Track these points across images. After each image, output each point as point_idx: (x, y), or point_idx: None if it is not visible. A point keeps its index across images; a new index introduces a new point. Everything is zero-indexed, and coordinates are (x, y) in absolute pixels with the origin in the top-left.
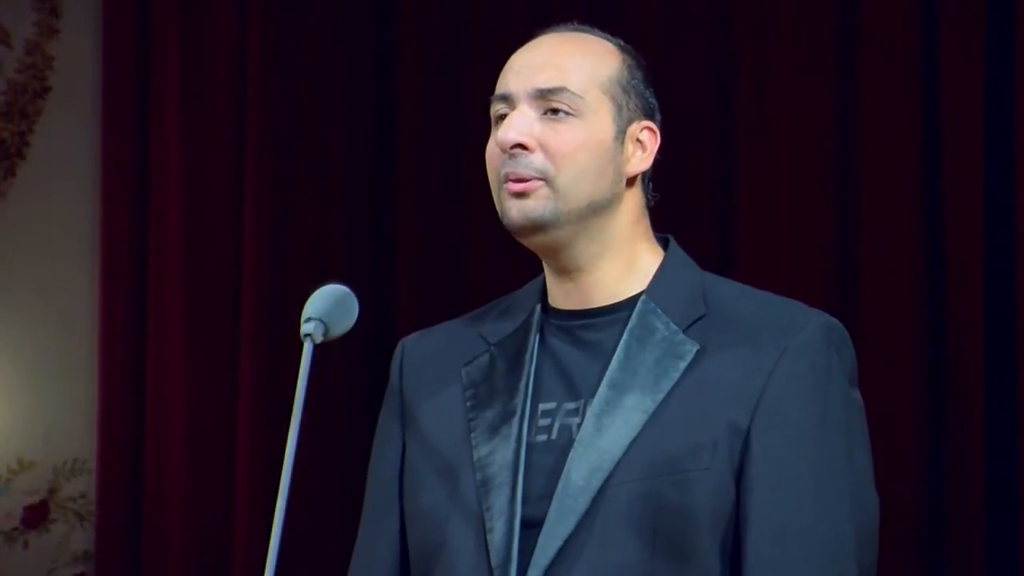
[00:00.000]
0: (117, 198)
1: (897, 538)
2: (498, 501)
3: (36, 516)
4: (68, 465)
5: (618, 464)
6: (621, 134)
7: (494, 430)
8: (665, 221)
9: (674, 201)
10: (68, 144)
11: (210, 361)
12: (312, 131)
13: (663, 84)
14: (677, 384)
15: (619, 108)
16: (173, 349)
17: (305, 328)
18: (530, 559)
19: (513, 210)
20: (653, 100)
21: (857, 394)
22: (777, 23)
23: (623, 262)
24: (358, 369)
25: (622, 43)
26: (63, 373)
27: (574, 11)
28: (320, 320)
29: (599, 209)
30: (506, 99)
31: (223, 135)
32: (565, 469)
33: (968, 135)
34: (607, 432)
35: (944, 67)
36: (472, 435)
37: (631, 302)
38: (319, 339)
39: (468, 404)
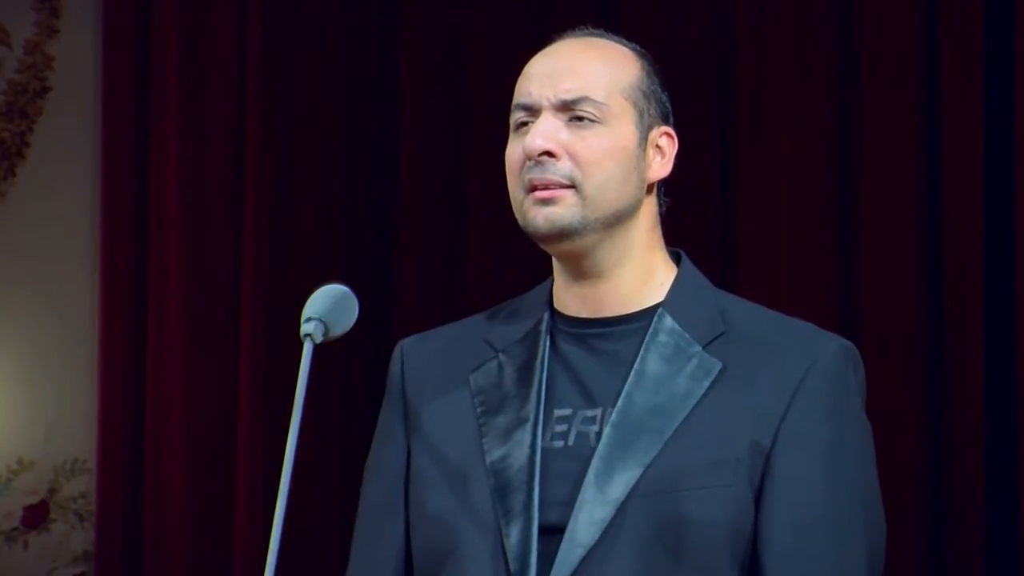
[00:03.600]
0: (117, 198)
1: (897, 538)
2: (515, 506)
3: (36, 516)
4: (68, 465)
5: (641, 477)
6: (644, 140)
7: (507, 435)
8: (664, 221)
9: (673, 201)
10: (68, 144)
11: (210, 361)
12: (312, 131)
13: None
14: (700, 401)
15: (641, 114)
16: (173, 349)
17: (305, 328)
18: (550, 566)
19: (539, 217)
20: (669, 105)
21: (866, 417)
22: (777, 23)
23: (640, 271)
24: (358, 369)
25: (638, 48)
26: (63, 373)
27: (574, 11)
28: (320, 320)
29: (623, 216)
30: (528, 108)
31: (223, 135)
32: (587, 478)
33: (968, 135)
34: (630, 445)
35: (944, 68)
36: (484, 440)
37: (647, 313)
38: (319, 339)
39: (479, 410)
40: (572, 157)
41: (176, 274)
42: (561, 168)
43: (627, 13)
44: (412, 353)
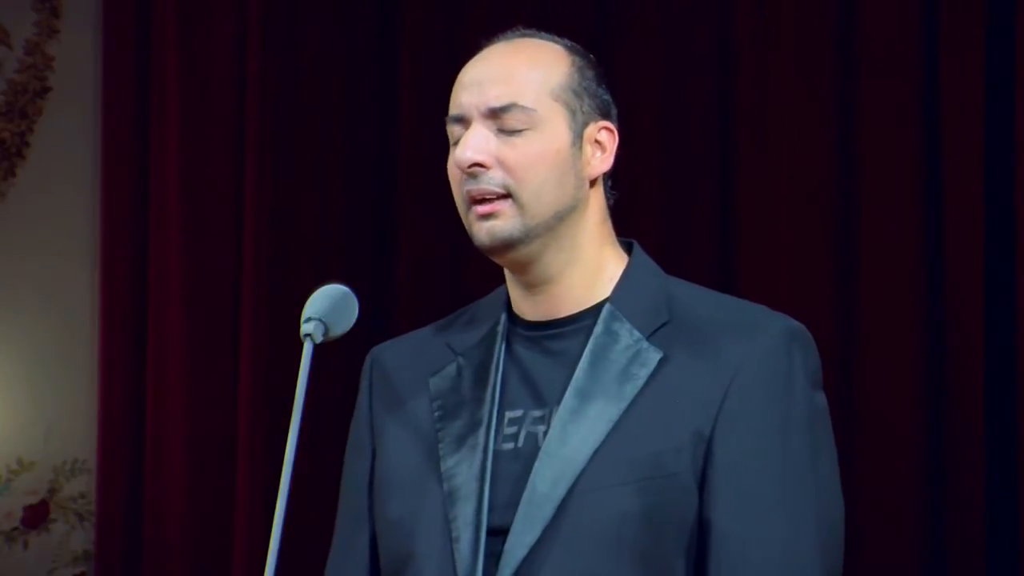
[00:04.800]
0: (117, 198)
1: (897, 538)
2: (464, 511)
3: (36, 516)
4: (68, 465)
5: (583, 472)
6: (578, 139)
7: (461, 440)
8: (665, 220)
9: (674, 200)
10: (68, 144)
11: (210, 361)
12: (312, 131)
13: (663, 85)
14: (641, 392)
15: (573, 113)
16: (173, 349)
17: (305, 328)
18: (496, 568)
19: (482, 232)
20: (607, 97)
21: (822, 397)
22: (777, 23)
23: (591, 269)
24: (358, 369)
25: (570, 43)
26: (63, 373)
27: (574, 13)
28: (320, 320)
29: (564, 216)
30: (460, 120)
31: (223, 135)
32: (531, 477)
33: (968, 135)
34: (572, 440)
35: (944, 67)
36: (440, 446)
37: (596, 309)
38: (319, 339)
39: (436, 415)
40: (503, 166)
41: (176, 274)
42: (493, 178)
43: (627, 14)
44: (380, 360)
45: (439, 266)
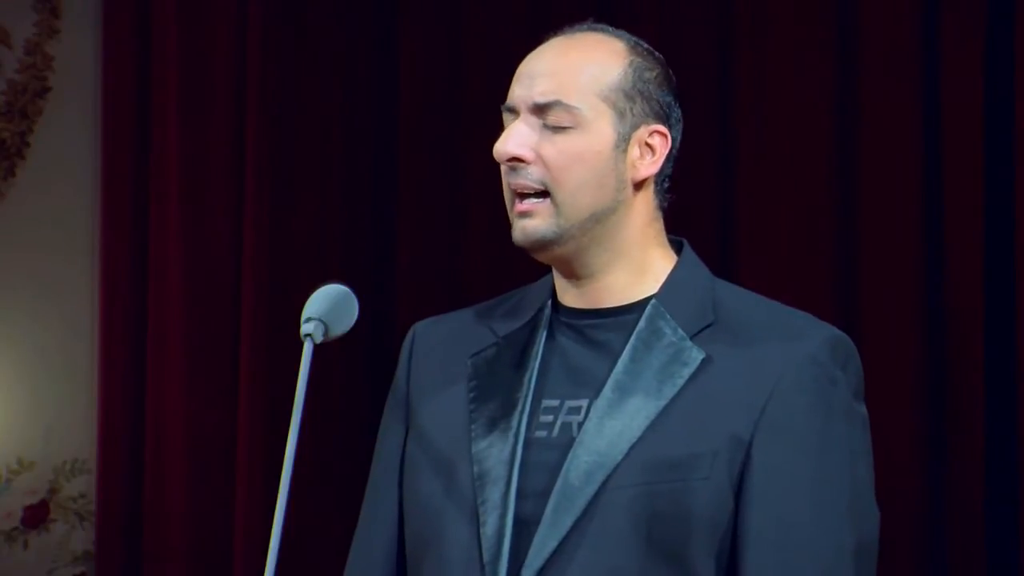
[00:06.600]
0: (117, 198)
1: (897, 540)
2: (493, 496)
3: (36, 516)
4: (68, 465)
5: (617, 467)
6: (624, 141)
7: (494, 423)
8: (663, 220)
9: (673, 201)
10: (68, 144)
11: (210, 361)
12: (312, 130)
13: None
14: (681, 391)
15: (621, 115)
16: (173, 349)
17: (305, 328)
18: (523, 557)
19: (517, 231)
20: (668, 99)
21: (863, 408)
22: (777, 22)
23: (635, 268)
24: (358, 369)
25: (635, 41)
26: (63, 373)
27: (574, 9)
28: (320, 320)
29: (602, 217)
30: (511, 110)
31: (223, 134)
32: (564, 468)
33: (968, 135)
34: (608, 434)
35: (944, 67)
36: (472, 427)
37: (642, 304)
38: (319, 339)
39: (471, 396)
40: (543, 161)
41: (176, 274)
42: (532, 173)
43: (626, 12)
44: (422, 337)
45: (439, 266)
